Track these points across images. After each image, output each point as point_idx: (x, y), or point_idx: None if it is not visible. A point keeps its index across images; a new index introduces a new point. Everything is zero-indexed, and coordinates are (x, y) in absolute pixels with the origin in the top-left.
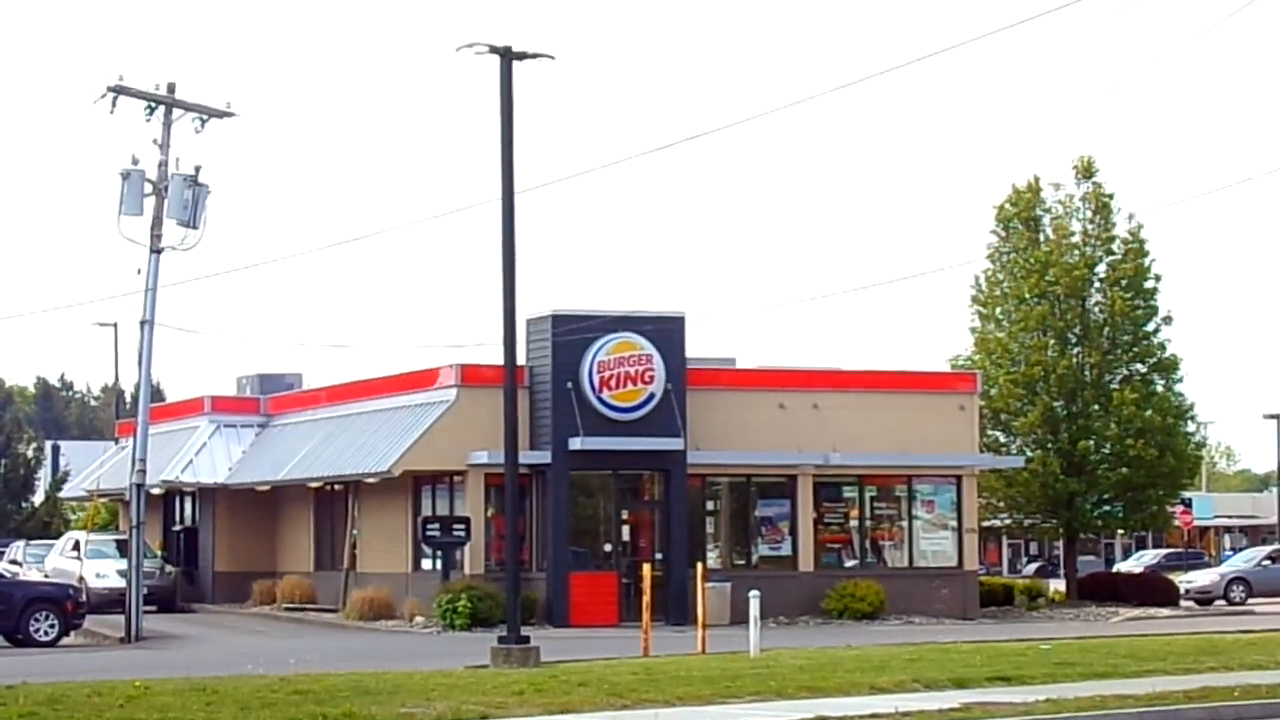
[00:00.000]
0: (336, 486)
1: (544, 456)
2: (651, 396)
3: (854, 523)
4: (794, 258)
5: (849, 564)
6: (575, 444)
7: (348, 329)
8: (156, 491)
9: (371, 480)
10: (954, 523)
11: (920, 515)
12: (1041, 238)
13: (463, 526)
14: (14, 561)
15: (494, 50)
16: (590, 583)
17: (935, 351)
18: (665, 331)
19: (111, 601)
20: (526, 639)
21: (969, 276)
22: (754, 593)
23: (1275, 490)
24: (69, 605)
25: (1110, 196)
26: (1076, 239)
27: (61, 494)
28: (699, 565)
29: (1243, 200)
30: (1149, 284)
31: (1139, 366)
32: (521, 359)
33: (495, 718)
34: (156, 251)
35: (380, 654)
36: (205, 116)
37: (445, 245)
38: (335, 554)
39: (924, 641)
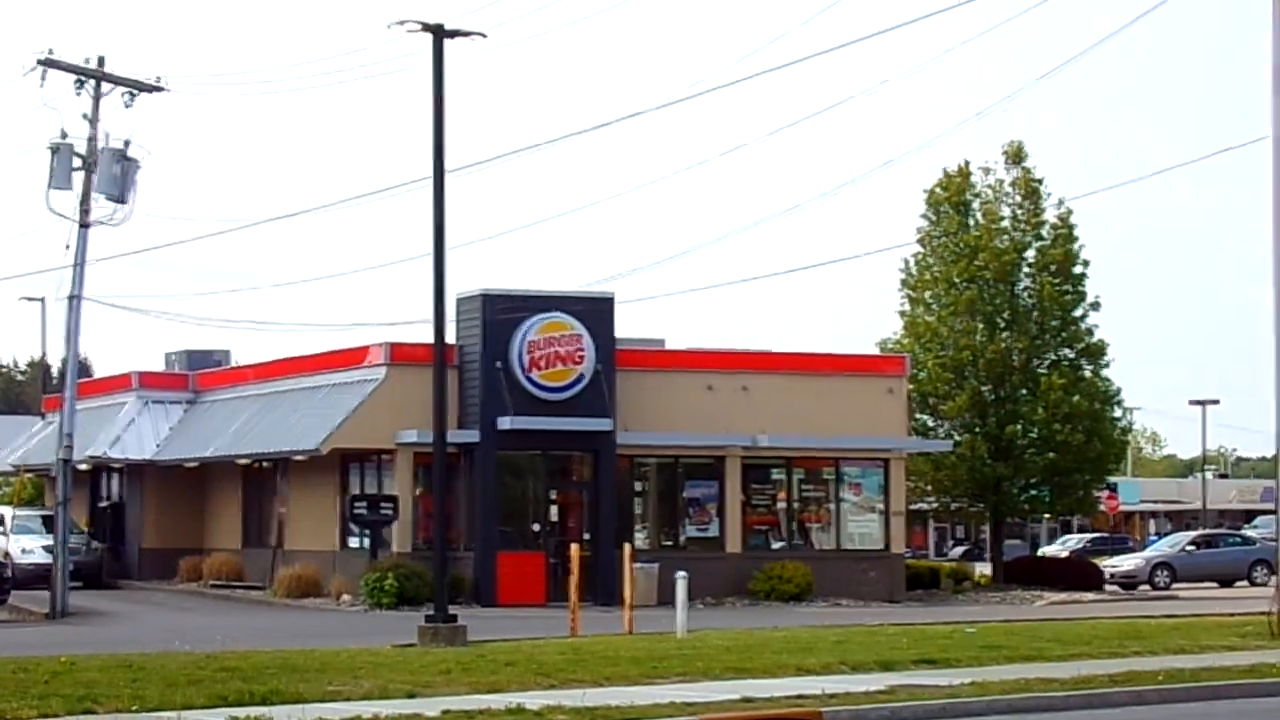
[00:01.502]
0: (265, 464)
1: (473, 436)
2: (581, 377)
3: (782, 505)
4: (725, 239)
5: (776, 546)
6: (504, 424)
7: (277, 306)
8: (83, 467)
9: (300, 458)
10: (881, 506)
11: (848, 498)
12: (971, 222)
13: (391, 505)
14: None
15: (426, 28)
16: (518, 562)
17: (864, 335)
18: (595, 312)
19: (37, 577)
20: (454, 618)
21: (899, 260)
22: (681, 574)
23: (1200, 476)
24: None
25: (1040, 182)
26: (1006, 224)
27: None
28: (627, 546)
29: (1171, 186)
30: (1078, 269)
31: (1067, 352)
32: (451, 338)
33: (422, 696)
34: (85, 226)
35: (307, 632)
36: (135, 91)
37: (377, 222)
38: (263, 531)
39: (851, 624)
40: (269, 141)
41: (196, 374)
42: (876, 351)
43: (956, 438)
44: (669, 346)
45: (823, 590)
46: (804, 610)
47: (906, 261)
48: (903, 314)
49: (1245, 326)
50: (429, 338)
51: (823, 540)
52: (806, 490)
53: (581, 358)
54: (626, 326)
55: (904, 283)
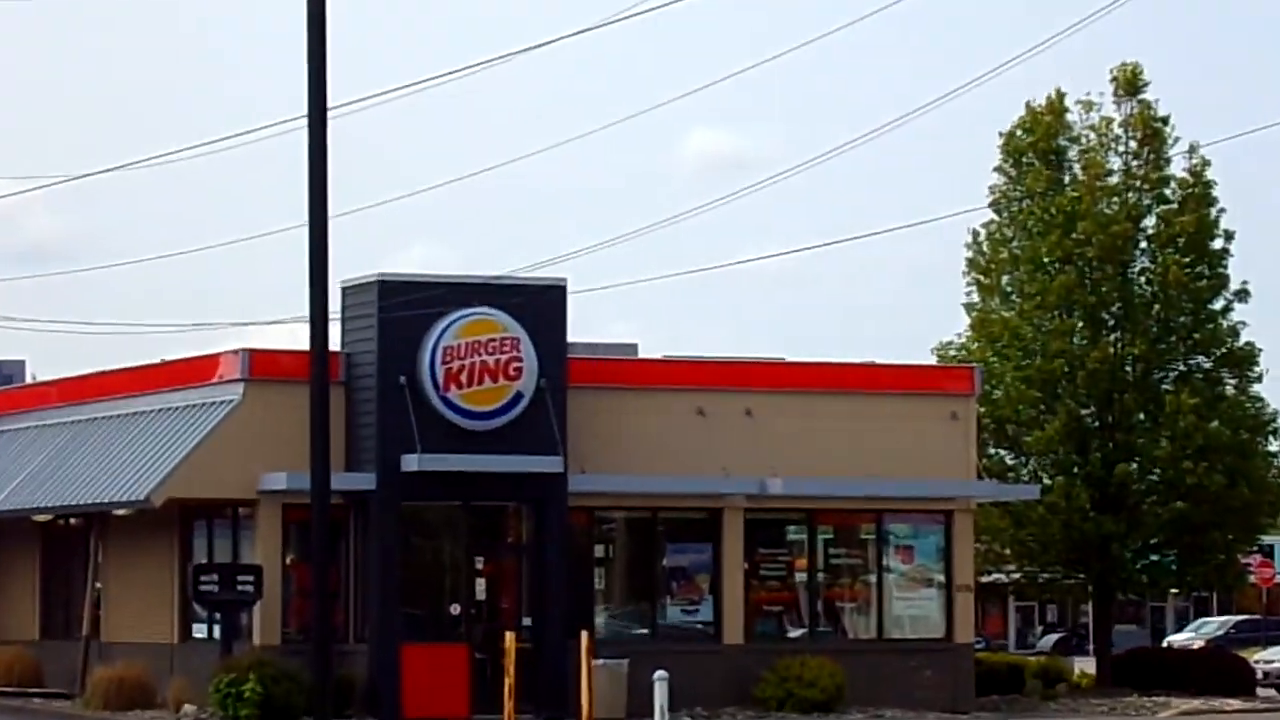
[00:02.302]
0: (73, 521)
1: (366, 481)
2: (519, 397)
3: (801, 576)
4: (719, 209)
5: (794, 634)
6: (411, 463)
7: (93, 299)
8: None
9: (122, 513)
10: (941, 577)
11: (895, 567)
12: (1067, 178)
13: (250, 579)
14: None
15: None
16: (431, 658)
17: (916, 339)
18: (540, 306)
19: None
20: None
21: (964, 233)
22: (660, 674)
23: None
24: None
25: (1164, 121)
26: (1116, 180)
27: None
28: (584, 635)
29: None
30: (1217, 244)
31: (1202, 360)
32: (335, 343)
33: None
34: None
35: None
36: None
37: (233, 184)
38: (70, 616)
39: None
40: (80, 70)
41: None
42: (933, 361)
43: (1046, 481)
44: (644, 355)
45: (859, 696)
46: None
47: (975, 234)
48: (970, 308)
49: None
50: (303, 343)
51: (859, 626)
52: (836, 556)
53: (519, 371)
54: (585, 327)
55: (971, 264)
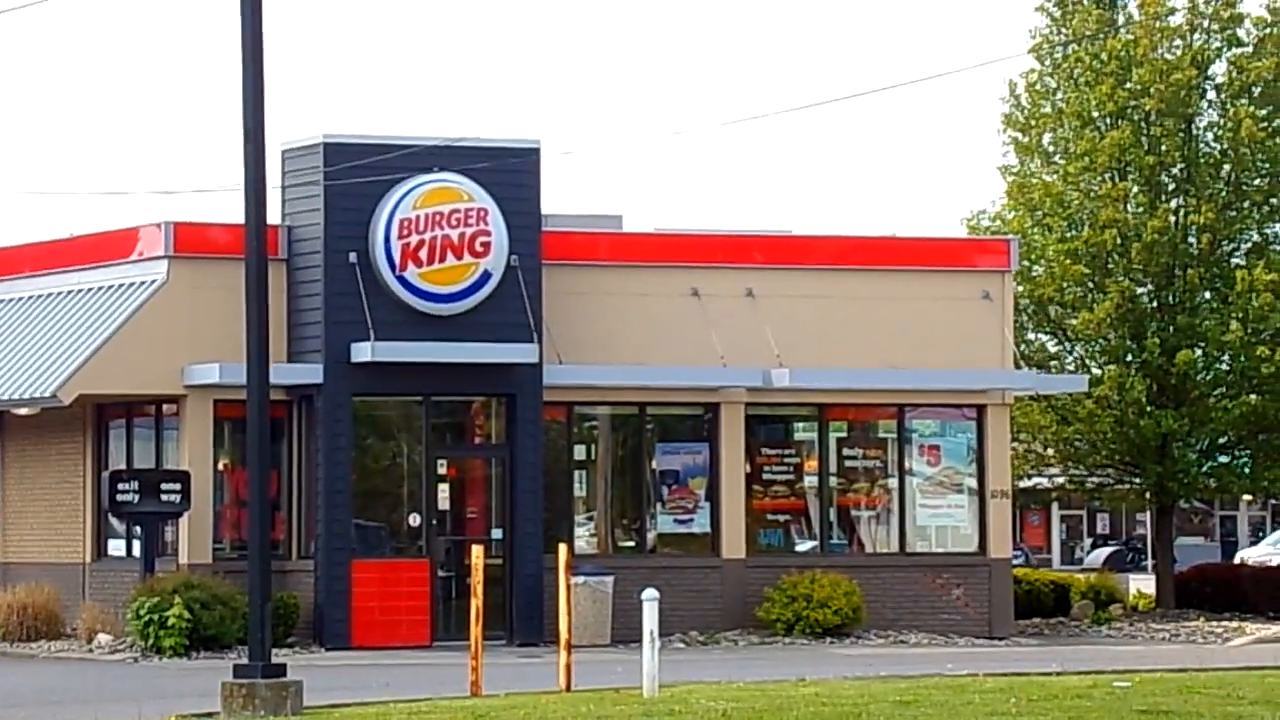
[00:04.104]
0: None
1: (311, 373)
2: (486, 276)
3: (811, 481)
4: (713, 56)
5: (803, 547)
6: (362, 353)
7: None
8: None
9: (24, 412)
10: (973, 481)
11: (918, 469)
12: (1121, 18)
13: (176, 487)
14: None
15: None
16: (386, 577)
17: (943, 206)
18: (509, 171)
19: None
20: (282, 669)
21: (1000, 83)
22: (650, 593)
23: None
24: None
25: None
26: (1179, 20)
27: None
28: (562, 549)
29: None
30: None
31: (1279, 228)
32: (274, 215)
33: None
34: None
35: (37, 696)
36: None
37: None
38: None
39: (924, 674)
40: None
41: None
42: (964, 232)
43: (1095, 371)
44: (630, 228)
45: (879, 619)
46: (848, 652)
47: (1012, 86)
48: (1006, 171)
49: None
50: (237, 214)
51: (878, 538)
52: (851, 457)
53: (486, 246)
54: (561, 197)
55: (1008, 120)
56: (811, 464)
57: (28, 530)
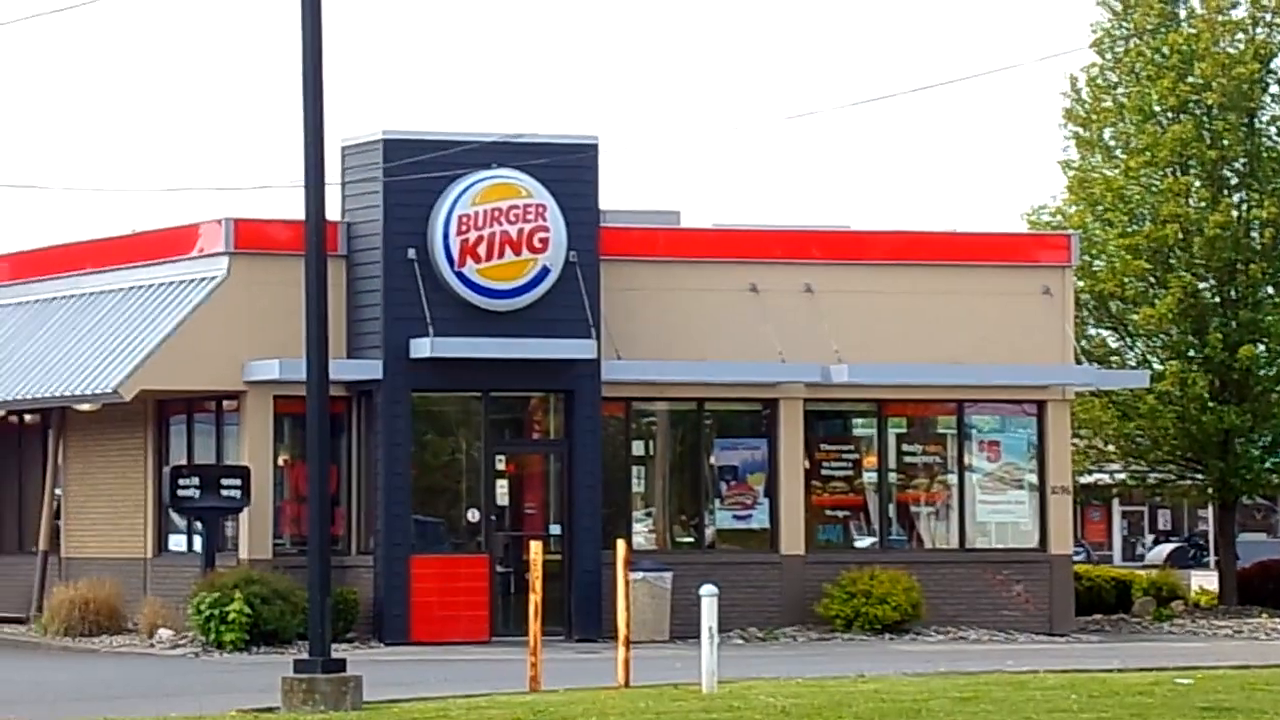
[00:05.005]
0: (28, 418)
1: (371, 369)
2: (545, 272)
3: (870, 477)
4: (772, 54)
5: (862, 543)
6: (421, 348)
7: (44, 159)
8: None
9: (87, 408)
10: (1033, 477)
11: (978, 465)
12: (1183, 12)
13: (237, 483)
14: None
15: None
16: (445, 573)
17: (1003, 201)
18: (568, 168)
19: None
20: (341, 664)
21: (1061, 78)
22: (709, 589)
23: None
24: None
25: None
26: (1241, 13)
27: None
28: (620, 545)
29: None
30: None
31: None
32: (334, 211)
33: None
34: None
35: (100, 691)
36: None
37: (207, 23)
38: (25, 529)
39: (985, 671)
40: None
41: None
42: (1024, 228)
43: (1157, 366)
44: (688, 224)
45: (938, 615)
46: (907, 648)
47: (1073, 80)
48: (1067, 166)
49: None
50: (297, 210)
51: (938, 534)
52: (911, 453)
53: (545, 242)
54: (620, 193)
55: (1069, 115)
56: (871, 460)
57: (89, 525)
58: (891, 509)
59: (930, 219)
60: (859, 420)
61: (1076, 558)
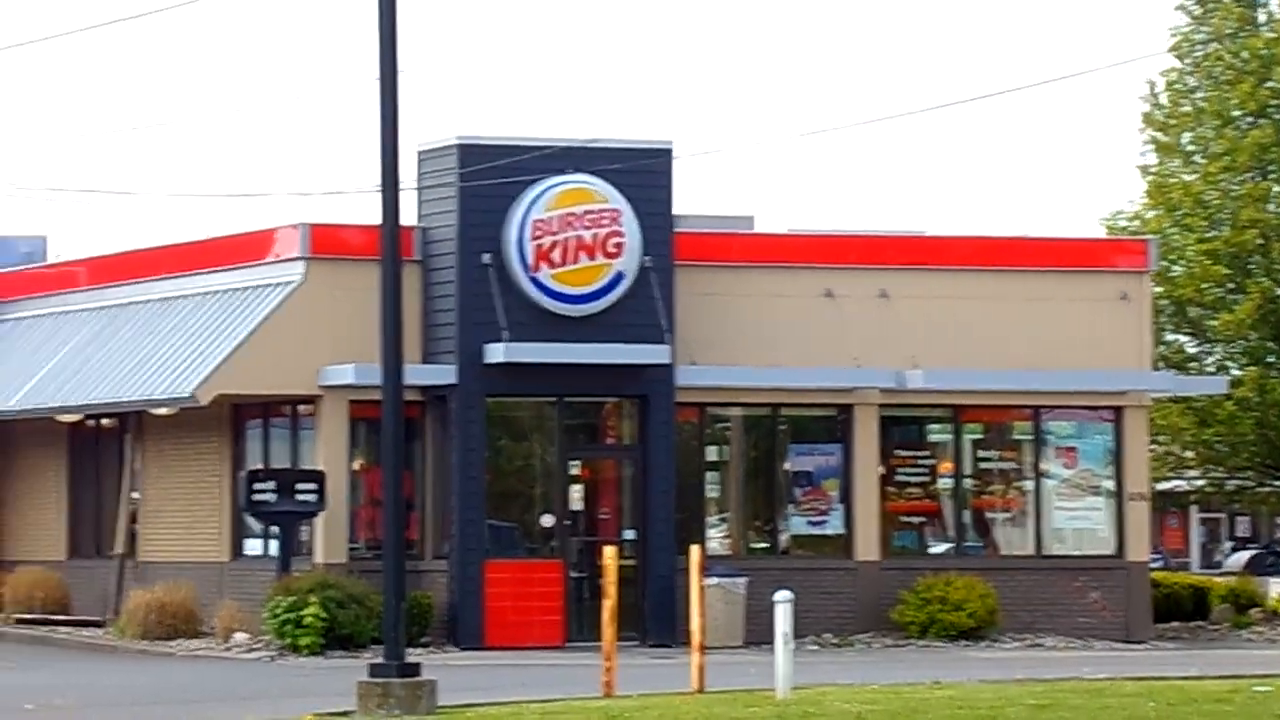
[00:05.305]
0: (105, 423)
1: (445, 374)
2: (619, 277)
3: (945, 483)
4: (848, 58)
5: (938, 549)
6: (496, 353)
7: (125, 166)
8: None
9: (163, 412)
10: (1110, 484)
11: (1055, 471)
12: (1262, 16)
13: (312, 487)
14: None
15: None
16: (519, 578)
17: (1081, 206)
18: (642, 173)
19: None
20: (416, 668)
21: (1139, 83)
22: (783, 595)
23: None
24: None
25: None
26: None
27: None
28: (695, 550)
29: None
30: None
31: None
32: (409, 216)
33: None
34: None
35: (176, 694)
36: None
37: (280, 34)
38: (102, 533)
39: (1061, 677)
40: None
41: None
42: (1102, 233)
43: (1236, 372)
44: (762, 229)
45: (1014, 622)
46: (983, 655)
47: (1152, 85)
48: (1145, 171)
49: None
50: (373, 215)
51: (1014, 540)
52: (986, 459)
53: (619, 247)
54: (693, 198)
55: (1148, 119)
56: (946, 465)
57: (166, 529)
58: (967, 515)
59: (1007, 224)
60: (934, 426)
61: (1153, 565)
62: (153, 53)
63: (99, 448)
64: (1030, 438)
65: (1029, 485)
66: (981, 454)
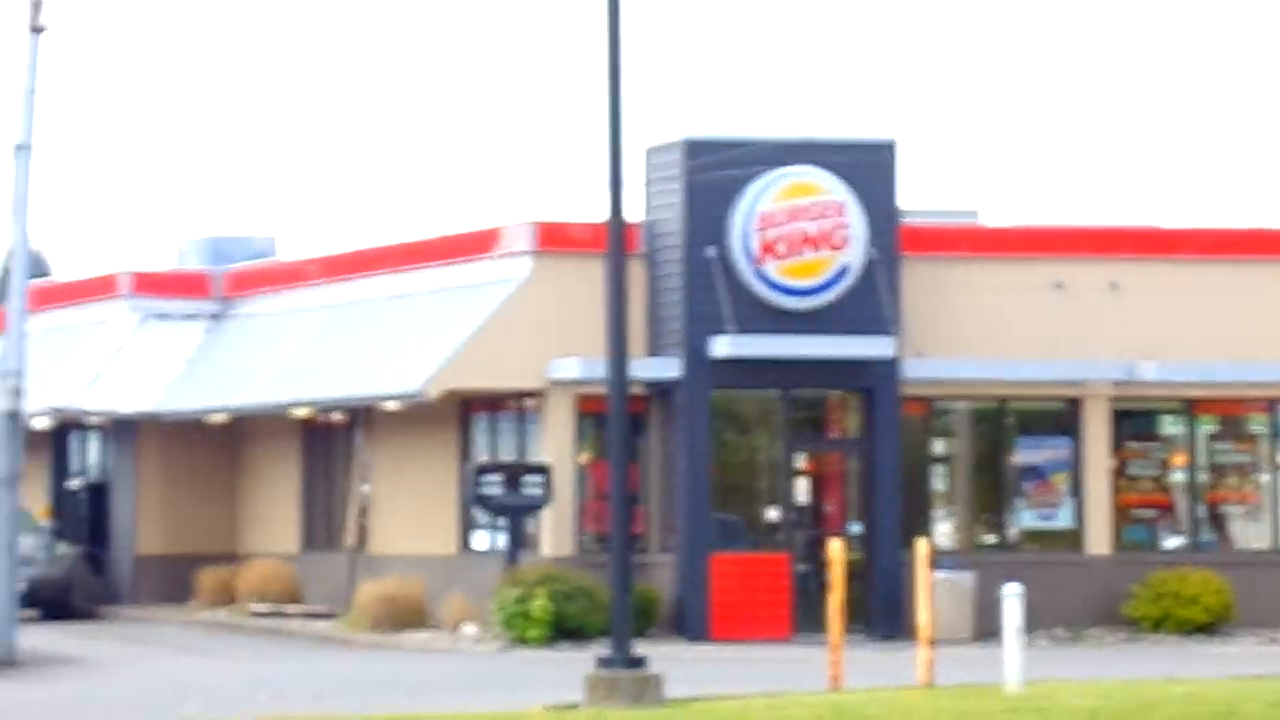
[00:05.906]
0: (335, 417)
1: (671, 368)
2: (844, 270)
3: (1178, 476)
4: (1073, 47)
5: (1171, 544)
6: (721, 348)
7: (350, 168)
8: (42, 424)
9: (392, 407)
10: None
11: None
12: None
13: (539, 480)
14: None
15: None
16: (745, 570)
17: None
18: (867, 166)
19: None
20: (643, 661)
21: None
22: (1013, 589)
23: None
24: None
25: None
26: None
27: None
28: (922, 544)
29: None
30: None
31: None
32: (635, 212)
33: None
34: (36, 30)
35: (407, 685)
36: None
37: (504, 34)
38: (333, 526)
39: None
40: None
41: (225, 273)
42: None
43: None
44: (986, 222)
45: (1250, 617)
46: (1217, 650)
47: None
48: None
49: None
50: (598, 213)
51: (1249, 534)
52: (1221, 452)
53: (844, 240)
54: (918, 191)
55: None
56: (1179, 458)
57: (394, 522)
58: (1201, 509)
59: (1241, 215)
60: (1167, 418)
61: None
62: (378, 53)
63: (330, 442)
64: (1266, 430)
65: (1265, 479)
66: (1216, 446)
